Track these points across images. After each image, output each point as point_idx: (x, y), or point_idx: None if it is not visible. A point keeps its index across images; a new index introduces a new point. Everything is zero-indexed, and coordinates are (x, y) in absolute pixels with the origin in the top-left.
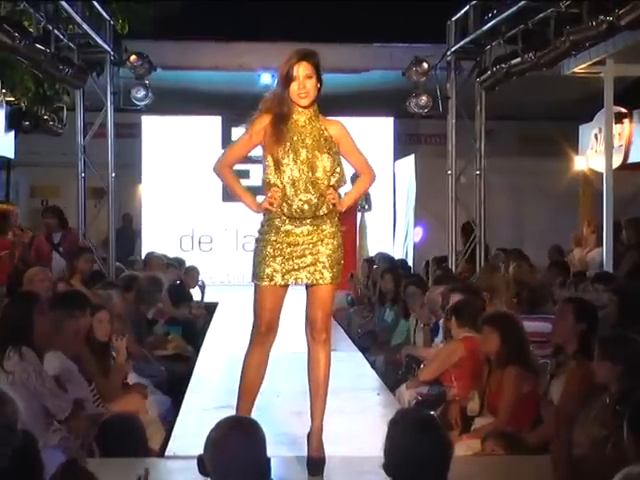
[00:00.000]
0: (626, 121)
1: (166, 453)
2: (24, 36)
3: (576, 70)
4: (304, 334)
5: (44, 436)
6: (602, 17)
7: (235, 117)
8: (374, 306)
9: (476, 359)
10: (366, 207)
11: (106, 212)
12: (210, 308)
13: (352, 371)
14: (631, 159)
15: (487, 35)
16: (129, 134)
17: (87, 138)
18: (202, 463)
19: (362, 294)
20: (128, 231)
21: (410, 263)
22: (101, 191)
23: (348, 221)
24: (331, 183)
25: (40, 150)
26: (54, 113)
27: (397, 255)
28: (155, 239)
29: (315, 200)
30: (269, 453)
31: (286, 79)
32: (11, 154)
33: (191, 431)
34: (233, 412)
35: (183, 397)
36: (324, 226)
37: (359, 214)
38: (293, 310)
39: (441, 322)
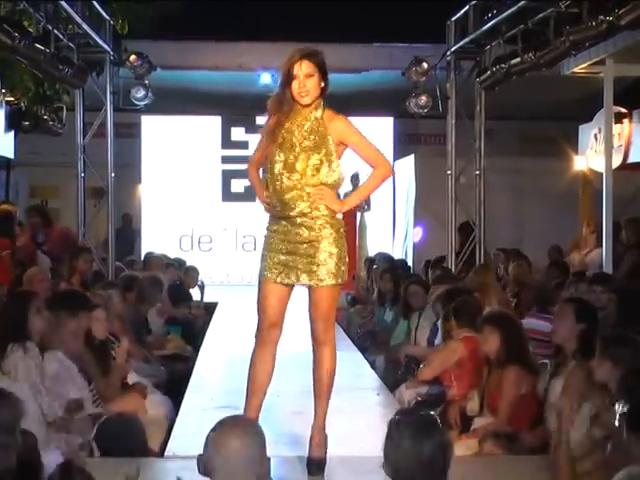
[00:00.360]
0: (626, 121)
1: (165, 453)
2: (24, 36)
3: (576, 70)
4: (308, 334)
5: (43, 436)
6: (602, 17)
7: (235, 117)
8: (374, 306)
9: (476, 359)
10: (365, 207)
11: (106, 212)
12: (210, 308)
13: (352, 371)
14: (631, 159)
15: (487, 35)
16: (129, 134)
17: (87, 138)
18: (202, 463)
19: (362, 294)
20: (128, 231)
21: (410, 263)
22: (101, 191)
23: (348, 221)
24: (323, 183)
25: (40, 150)
26: (54, 113)
27: (397, 255)
28: (155, 239)
29: (301, 200)
30: (269, 453)
31: (287, 78)
32: (11, 154)
33: (191, 431)
34: (233, 412)
35: (183, 397)
36: (322, 227)
37: (359, 214)
38: (294, 310)
39: (439, 322)
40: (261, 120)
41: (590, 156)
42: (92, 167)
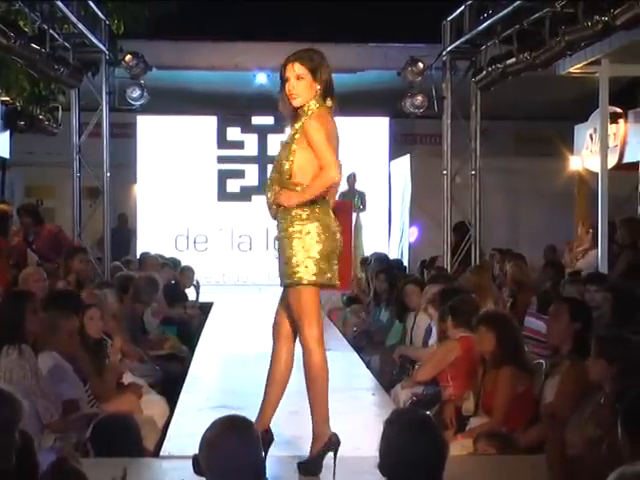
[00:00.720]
0: (621, 121)
1: (161, 453)
2: (19, 36)
3: (571, 70)
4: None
5: (39, 437)
6: (597, 17)
7: (231, 117)
8: (369, 306)
9: (472, 359)
10: (361, 207)
11: (101, 212)
12: (205, 308)
13: (347, 371)
14: (626, 159)
15: (482, 35)
16: (124, 134)
17: (82, 138)
18: (197, 463)
19: (359, 294)
20: (123, 231)
21: (405, 263)
22: (96, 191)
23: (344, 221)
24: (287, 183)
25: (35, 150)
26: (49, 113)
27: (392, 255)
28: (150, 239)
29: (271, 200)
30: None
31: (282, 80)
32: (6, 154)
33: (186, 431)
34: (228, 412)
35: (178, 397)
36: (285, 225)
37: (354, 214)
38: None
39: (433, 322)
40: (257, 120)
41: (585, 156)
42: (88, 167)
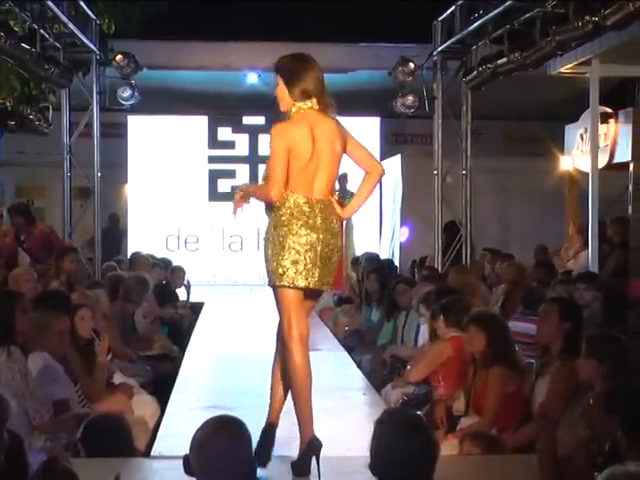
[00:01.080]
0: (612, 121)
1: (152, 453)
2: (9, 35)
3: (562, 70)
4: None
5: (29, 437)
6: (588, 17)
7: (221, 117)
8: (360, 306)
9: (463, 359)
10: None
11: (92, 212)
12: (196, 308)
13: (338, 371)
14: (616, 159)
15: (473, 35)
16: (115, 134)
17: (73, 138)
18: (188, 463)
19: (350, 294)
20: (114, 231)
21: (397, 263)
22: (87, 191)
23: None
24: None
25: (26, 150)
26: (40, 113)
27: (384, 255)
28: (141, 239)
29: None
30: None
31: None
32: None
33: (177, 431)
34: (219, 412)
35: (169, 397)
36: (265, 230)
37: None
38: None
39: (422, 321)
40: (247, 120)
41: (576, 156)
42: (78, 167)
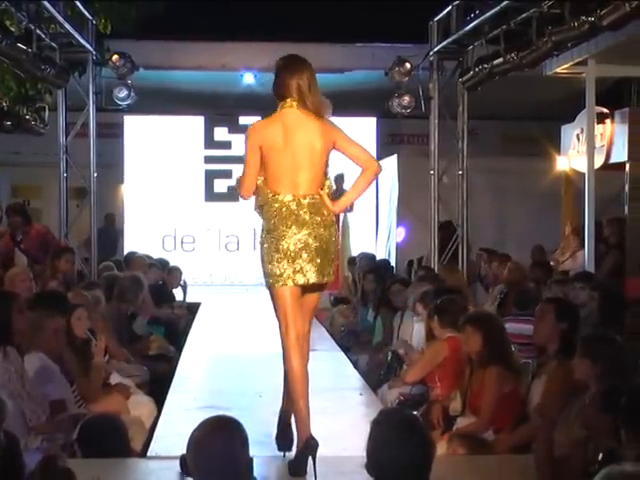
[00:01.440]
0: (608, 121)
1: (148, 453)
2: (5, 35)
3: (558, 70)
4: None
5: (25, 438)
6: (584, 18)
7: (218, 117)
8: (357, 306)
9: (459, 359)
10: (348, 208)
11: (88, 212)
12: (192, 308)
13: (334, 371)
14: (613, 159)
15: (469, 35)
16: (111, 134)
17: (69, 138)
18: (184, 463)
19: (346, 294)
20: (110, 231)
21: (393, 263)
22: (83, 191)
23: None
24: None
25: (22, 150)
26: (36, 113)
27: (380, 255)
28: (137, 239)
29: None
30: (252, 453)
31: None
32: None
33: (173, 431)
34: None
35: (165, 397)
36: None
37: (342, 215)
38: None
39: (416, 320)
40: (244, 120)
41: (572, 156)
42: (74, 167)
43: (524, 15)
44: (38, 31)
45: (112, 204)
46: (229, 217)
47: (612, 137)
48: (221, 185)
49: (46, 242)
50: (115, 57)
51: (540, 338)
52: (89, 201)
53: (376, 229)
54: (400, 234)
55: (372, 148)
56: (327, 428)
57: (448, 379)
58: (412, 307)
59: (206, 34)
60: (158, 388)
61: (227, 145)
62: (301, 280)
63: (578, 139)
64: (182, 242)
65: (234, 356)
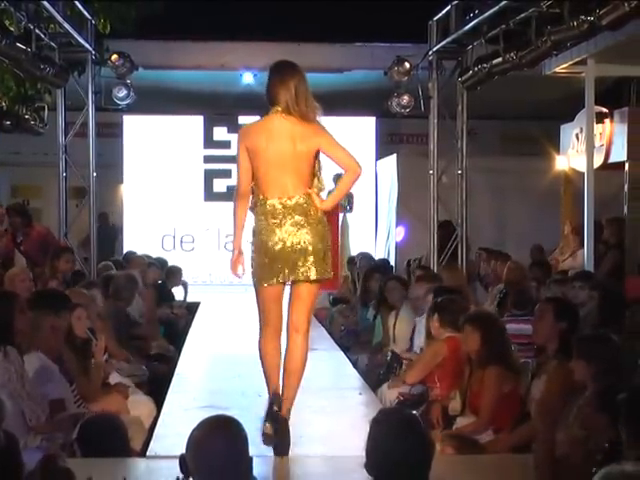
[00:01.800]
0: (607, 121)
1: (148, 453)
2: (5, 35)
3: (557, 70)
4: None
5: (24, 438)
6: (583, 17)
7: (217, 116)
8: (356, 305)
9: (459, 359)
10: (348, 208)
11: (87, 212)
12: (192, 308)
13: (334, 370)
14: (612, 159)
15: (469, 35)
16: (111, 133)
17: (68, 138)
18: (184, 463)
19: (345, 294)
20: (105, 229)
21: (392, 263)
22: (82, 191)
23: (330, 221)
24: None
25: (21, 150)
26: (35, 112)
27: (379, 255)
28: (137, 239)
29: None
30: (251, 452)
31: None
32: None
33: (173, 431)
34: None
35: (165, 397)
36: None
37: (341, 215)
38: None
39: (418, 320)
40: (243, 120)
41: (572, 156)
42: (74, 167)
43: (523, 15)
44: (37, 31)
45: (111, 204)
46: (228, 217)
47: (611, 137)
48: (220, 185)
49: (46, 244)
50: (114, 57)
51: (539, 338)
52: (88, 201)
53: (375, 229)
54: (399, 234)
55: (371, 148)
56: (326, 427)
57: (447, 379)
58: (412, 307)
59: (205, 34)
60: (157, 388)
61: (226, 145)
62: (281, 279)
63: (577, 139)
64: (181, 242)
65: (233, 356)
